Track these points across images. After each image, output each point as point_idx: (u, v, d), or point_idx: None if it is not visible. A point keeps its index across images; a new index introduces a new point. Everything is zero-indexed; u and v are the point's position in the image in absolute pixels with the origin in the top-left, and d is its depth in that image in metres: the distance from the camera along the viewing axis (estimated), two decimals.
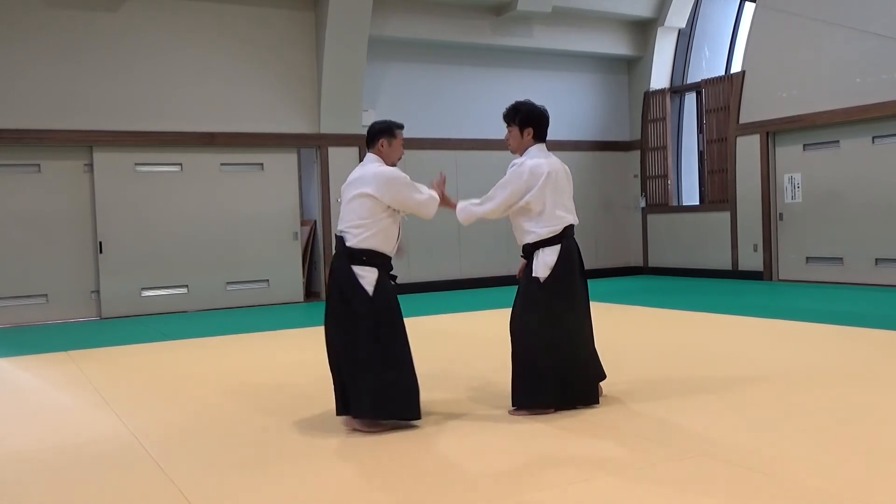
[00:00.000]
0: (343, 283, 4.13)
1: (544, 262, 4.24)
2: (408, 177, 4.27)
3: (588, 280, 4.53)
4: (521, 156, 4.42)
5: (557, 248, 4.22)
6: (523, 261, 4.46)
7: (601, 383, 4.57)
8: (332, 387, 4.28)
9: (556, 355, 4.22)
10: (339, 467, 3.65)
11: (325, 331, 4.28)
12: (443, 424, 4.18)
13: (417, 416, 4.14)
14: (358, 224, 4.14)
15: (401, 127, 4.43)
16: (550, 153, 4.45)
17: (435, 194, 4.33)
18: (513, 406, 4.34)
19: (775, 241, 11.57)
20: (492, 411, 4.41)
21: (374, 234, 4.15)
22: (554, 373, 4.23)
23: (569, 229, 4.35)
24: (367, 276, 4.11)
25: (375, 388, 4.03)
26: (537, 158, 4.34)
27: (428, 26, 11.68)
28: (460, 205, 4.47)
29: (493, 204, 4.33)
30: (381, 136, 4.35)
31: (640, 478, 3.28)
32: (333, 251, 4.39)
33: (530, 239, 4.33)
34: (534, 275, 4.27)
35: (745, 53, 11.81)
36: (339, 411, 4.22)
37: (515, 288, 4.54)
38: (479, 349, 6.39)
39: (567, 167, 4.53)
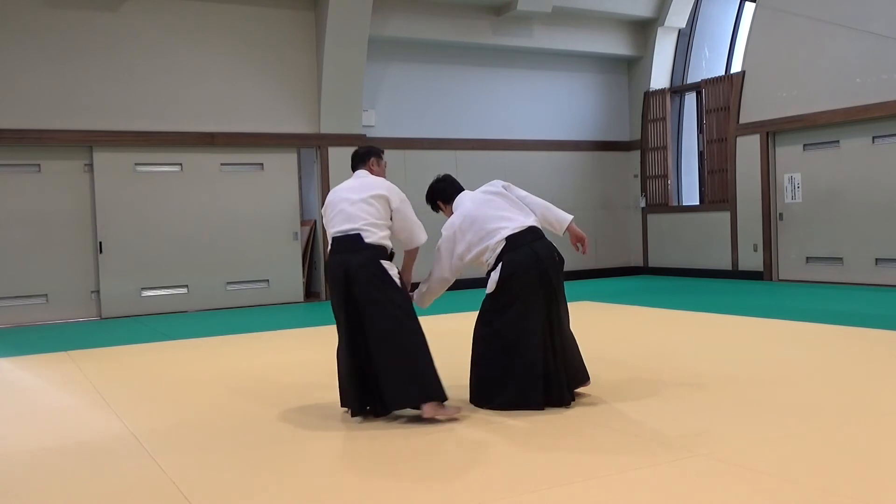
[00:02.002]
0: (372, 276, 4.21)
1: (491, 280, 4.54)
2: None
3: (566, 282, 4.63)
4: None
5: (499, 266, 4.48)
6: None
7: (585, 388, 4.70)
8: (344, 386, 4.35)
9: (496, 359, 4.47)
10: (338, 466, 3.65)
11: (349, 329, 4.25)
12: (438, 424, 4.18)
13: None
14: (375, 223, 4.31)
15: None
16: (464, 197, 4.72)
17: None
18: (470, 402, 4.59)
19: (775, 241, 11.57)
20: (488, 411, 4.41)
21: (389, 235, 4.39)
22: (493, 375, 4.48)
23: (512, 240, 4.46)
24: (393, 270, 4.33)
25: (432, 371, 4.23)
26: (447, 225, 4.65)
27: (428, 26, 11.69)
28: (415, 296, 4.68)
29: (432, 281, 4.69)
30: (372, 156, 4.66)
31: (640, 478, 3.28)
32: (333, 248, 4.38)
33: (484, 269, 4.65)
34: (487, 291, 4.57)
35: (745, 53, 11.81)
36: (357, 410, 4.33)
37: None
38: None
39: (497, 183, 4.73)
